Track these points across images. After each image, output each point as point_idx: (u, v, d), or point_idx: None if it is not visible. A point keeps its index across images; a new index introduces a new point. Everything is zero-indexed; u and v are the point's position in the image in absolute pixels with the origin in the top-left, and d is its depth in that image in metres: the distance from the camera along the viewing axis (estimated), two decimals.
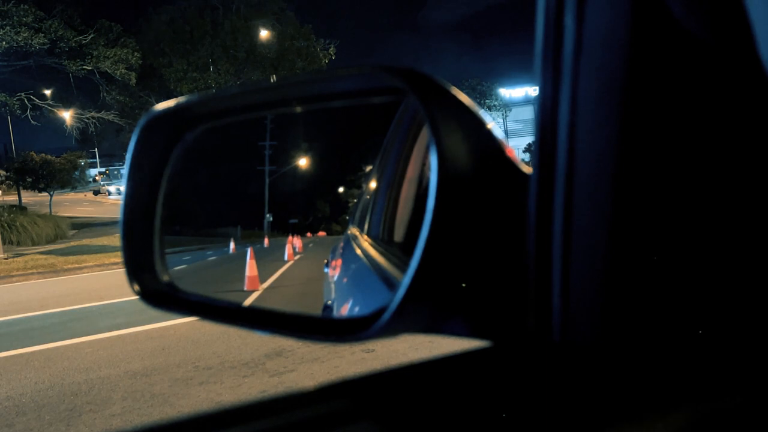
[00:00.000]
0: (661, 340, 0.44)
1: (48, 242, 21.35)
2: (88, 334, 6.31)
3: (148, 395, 4.20)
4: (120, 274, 12.57)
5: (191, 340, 5.64)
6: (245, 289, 5.27)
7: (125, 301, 8.10)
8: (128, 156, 0.70)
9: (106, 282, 11.02)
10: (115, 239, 20.28)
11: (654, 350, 0.44)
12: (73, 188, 39.89)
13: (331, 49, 31.49)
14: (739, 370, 0.44)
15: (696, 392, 0.45)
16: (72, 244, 20.25)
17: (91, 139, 39.29)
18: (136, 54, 26.03)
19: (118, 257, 14.31)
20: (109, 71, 25.68)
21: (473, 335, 0.51)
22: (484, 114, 0.52)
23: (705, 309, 0.43)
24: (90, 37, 24.94)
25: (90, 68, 25.54)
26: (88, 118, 27.62)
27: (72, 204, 52.25)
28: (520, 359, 0.49)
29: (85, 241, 20.79)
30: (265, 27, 29.43)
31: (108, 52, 25.20)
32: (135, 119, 30.89)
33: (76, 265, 13.78)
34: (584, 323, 0.45)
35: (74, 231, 26.57)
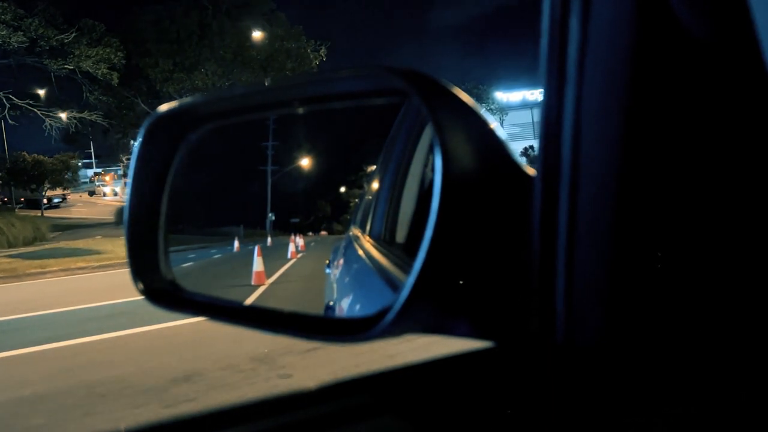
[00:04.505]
0: (664, 342, 0.44)
1: (26, 244, 20.41)
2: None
3: (19, 429, 3.70)
4: (80, 278, 11.55)
5: (103, 362, 5.13)
6: (252, 283, 5.51)
7: (64, 311, 7.63)
8: (133, 156, 0.71)
9: (60, 288, 10.35)
10: (95, 242, 19.70)
11: (657, 352, 0.44)
12: (65, 189, 39.64)
13: (322, 50, 31.12)
14: (742, 371, 0.44)
15: (699, 393, 0.45)
16: (47, 246, 19.25)
17: (77, 139, 38.98)
18: (119, 53, 25.60)
19: (85, 261, 13.64)
20: (90, 71, 25.21)
21: (477, 336, 0.52)
22: (487, 115, 0.52)
23: (708, 311, 0.44)
24: (72, 36, 24.45)
25: (71, 67, 25.08)
26: (69, 118, 27.02)
27: (66, 205, 51.53)
28: (524, 360, 0.49)
29: (62, 244, 19.87)
30: (255, 28, 29.05)
31: (90, 51, 24.73)
32: (122, 120, 30.38)
33: (39, 270, 12.75)
34: (588, 325, 0.45)
35: (56, 233, 25.68)
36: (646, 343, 0.44)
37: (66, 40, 24.45)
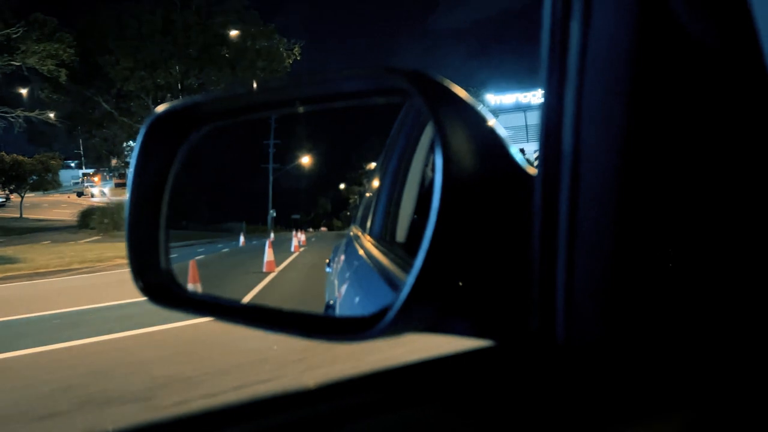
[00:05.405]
0: (664, 341, 0.44)
1: None
2: None
3: None
4: None
5: None
6: (264, 270, 6.14)
7: None
8: (134, 155, 0.71)
9: None
10: (30, 249, 18.24)
11: (657, 351, 0.44)
12: (45, 190, 39.03)
13: (296, 49, 30.12)
14: (742, 370, 0.44)
15: (700, 392, 0.45)
16: None
17: (37, 138, 37.72)
18: (68, 50, 24.17)
19: None
20: (36, 66, 23.76)
21: (477, 335, 0.52)
22: (488, 115, 0.53)
23: (709, 311, 0.44)
24: (20, 31, 22.72)
25: (18, 63, 23.56)
26: (14, 117, 25.06)
27: (50, 206, 50.05)
28: (524, 359, 0.50)
29: None
30: (225, 25, 28.03)
31: (36, 47, 23.20)
32: (86, 120, 28.95)
33: None
34: (588, 325, 0.45)
35: (3, 239, 23.49)
36: (646, 342, 0.44)
37: (14, 35, 22.80)
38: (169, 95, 28.18)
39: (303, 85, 0.74)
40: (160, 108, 0.72)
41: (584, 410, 0.45)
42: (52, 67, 24.18)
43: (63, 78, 24.84)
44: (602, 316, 0.45)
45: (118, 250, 16.65)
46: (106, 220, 26.10)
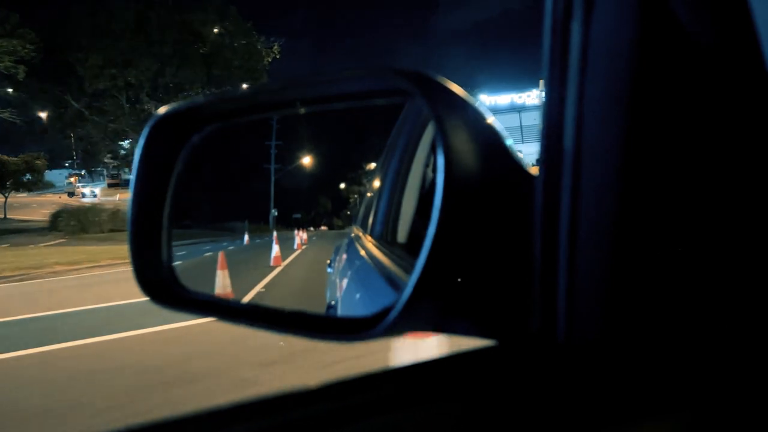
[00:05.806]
0: (665, 341, 0.44)
1: None
2: None
3: None
4: None
5: None
6: (271, 265, 6.91)
7: None
8: (136, 156, 0.71)
9: None
10: None
11: (658, 351, 0.45)
12: (30, 190, 38.62)
13: (275, 47, 29.61)
14: (742, 370, 0.44)
15: (700, 392, 0.45)
16: None
17: (11, 138, 37.04)
18: (28, 46, 23.49)
19: None
20: None
21: (479, 335, 0.52)
22: (490, 115, 0.53)
23: (710, 311, 0.44)
24: None
25: None
26: None
27: (39, 206, 48.95)
28: (526, 359, 0.50)
29: None
30: (204, 23, 27.31)
31: None
32: (59, 119, 28.04)
33: None
34: (589, 324, 0.45)
35: None
36: (647, 342, 0.45)
37: None
38: (142, 94, 27.67)
39: (304, 86, 0.74)
40: (163, 109, 0.73)
41: (585, 409, 0.46)
42: (9, 64, 23.50)
43: (21, 75, 24.16)
44: (603, 316, 0.45)
45: (67, 254, 15.87)
46: (73, 222, 25.36)
